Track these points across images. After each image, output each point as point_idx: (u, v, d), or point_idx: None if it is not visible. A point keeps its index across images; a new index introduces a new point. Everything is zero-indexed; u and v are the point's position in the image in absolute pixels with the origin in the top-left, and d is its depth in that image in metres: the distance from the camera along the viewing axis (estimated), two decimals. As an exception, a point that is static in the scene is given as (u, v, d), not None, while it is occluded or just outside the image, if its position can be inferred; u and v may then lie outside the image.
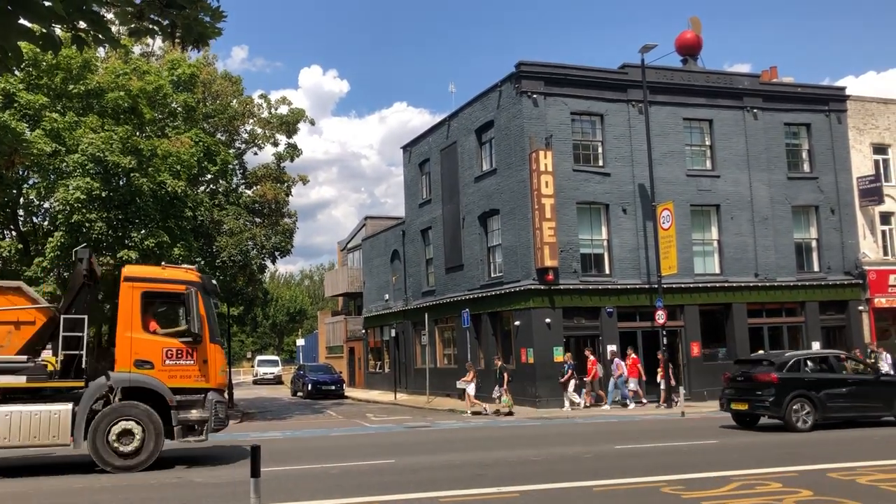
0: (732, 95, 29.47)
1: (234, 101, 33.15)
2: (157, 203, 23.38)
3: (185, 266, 16.04)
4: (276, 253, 32.16)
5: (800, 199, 30.08)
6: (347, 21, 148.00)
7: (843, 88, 32.19)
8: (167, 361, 13.94)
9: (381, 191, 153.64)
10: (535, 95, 26.76)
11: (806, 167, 30.67)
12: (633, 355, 25.89)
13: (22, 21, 3.37)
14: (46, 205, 24.97)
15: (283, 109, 34.30)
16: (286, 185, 34.22)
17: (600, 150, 27.86)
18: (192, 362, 14.13)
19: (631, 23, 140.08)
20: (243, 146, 34.79)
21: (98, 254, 23.25)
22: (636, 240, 27.58)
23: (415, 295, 36.03)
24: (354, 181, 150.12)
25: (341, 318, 51.98)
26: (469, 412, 25.03)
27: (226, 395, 15.78)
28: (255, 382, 59.02)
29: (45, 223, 25.72)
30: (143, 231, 22.84)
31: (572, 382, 25.03)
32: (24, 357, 13.57)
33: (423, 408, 28.52)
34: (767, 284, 29.02)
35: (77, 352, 13.66)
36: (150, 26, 3.62)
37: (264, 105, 34.35)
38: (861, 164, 31.11)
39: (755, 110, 29.66)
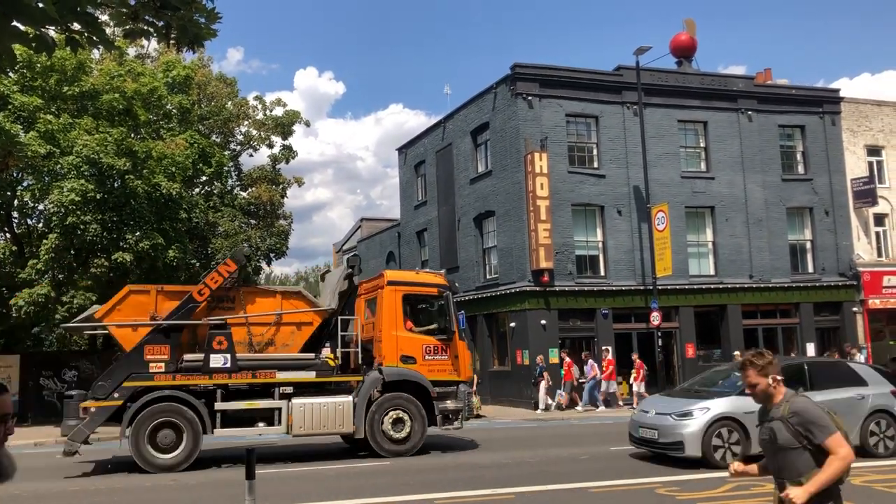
0: (727, 97, 29.54)
1: (229, 102, 33.16)
2: (151, 205, 23.36)
3: (435, 271, 18.10)
4: (272, 254, 32.16)
5: (794, 201, 30.15)
6: (343, 23, 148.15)
7: (836, 90, 32.28)
8: (426, 357, 15.44)
9: (377, 192, 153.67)
10: (530, 97, 26.79)
11: (800, 169, 30.75)
12: (609, 357, 25.71)
13: (15, 23, 3.37)
14: (41, 207, 24.93)
15: (279, 111, 34.35)
16: (281, 186, 34.23)
17: (595, 151, 27.89)
18: (446, 357, 15.63)
19: (625, 25, 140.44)
20: (238, 148, 34.79)
21: (92, 256, 23.28)
22: (631, 241, 27.62)
23: (410, 297, 35.97)
24: (350, 183, 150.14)
25: (337, 320, 51.89)
26: None
27: (474, 387, 19.07)
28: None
29: (40, 225, 25.69)
30: (137, 233, 22.82)
31: (543, 384, 24.80)
32: (312, 355, 15.06)
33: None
34: (762, 286, 29.08)
35: (352, 349, 15.40)
36: (145, 28, 3.61)
37: (259, 107, 34.38)
38: (855, 165, 31.20)
39: (749, 112, 29.73)
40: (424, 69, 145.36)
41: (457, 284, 18.00)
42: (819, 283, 29.86)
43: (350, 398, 14.78)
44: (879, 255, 31.43)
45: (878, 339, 31.00)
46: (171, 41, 3.67)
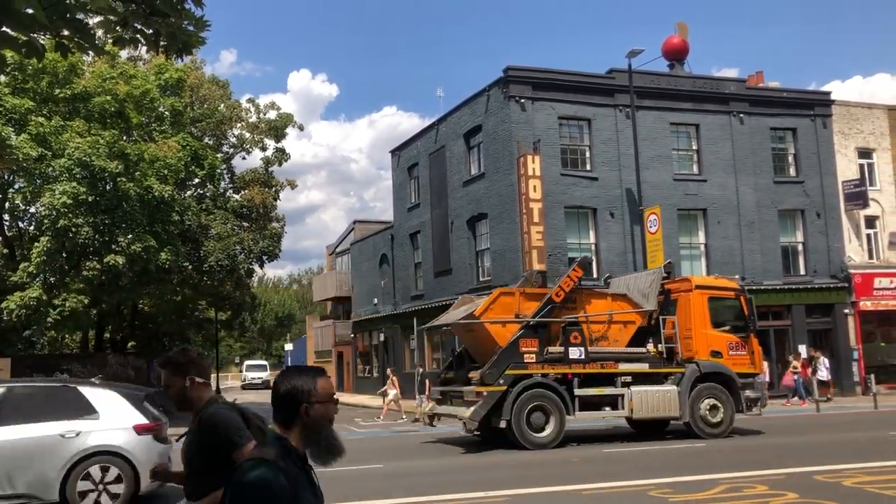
0: (719, 100, 29.64)
1: (222, 105, 33.12)
2: (143, 207, 23.30)
3: (728, 276, 20.52)
4: (264, 257, 32.12)
5: (786, 203, 30.26)
6: (337, 25, 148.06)
7: (828, 93, 32.42)
8: (730, 352, 17.47)
9: (371, 195, 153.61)
10: (522, 100, 26.83)
11: (792, 171, 30.86)
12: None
13: (4, 28, 3.37)
14: (32, 209, 24.86)
15: (272, 114, 34.33)
16: (274, 189, 34.22)
17: (588, 154, 27.95)
18: (745, 352, 17.69)
19: (618, 28, 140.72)
20: (231, 150, 34.76)
21: (84, 259, 23.20)
22: (624, 244, 27.67)
23: (403, 299, 36.01)
24: (343, 185, 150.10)
25: (330, 323, 51.83)
26: (381, 418, 25.22)
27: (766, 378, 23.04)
28: (244, 387, 58.79)
29: (31, 228, 25.63)
30: (129, 236, 22.76)
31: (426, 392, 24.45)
32: (644, 349, 17.19)
33: (412, 412, 28.44)
34: (754, 288, 29.05)
35: (673, 344, 17.17)
36: (134, 35, 3.61)
37: (252, 109, 34.36)
38: (846, 168, 31.33)
39: (741, 115, 29.83)
40: (418, 72, 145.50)
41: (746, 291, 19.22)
42: (811, 286, 29.96)
43: (674, 387, 16.77)
44: (870, 257, 31.56)
45: (870, 341, 31.12)
46: (161, 48, 3.67)
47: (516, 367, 16.05)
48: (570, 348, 16.36)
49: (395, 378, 26.33)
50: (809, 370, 27.41)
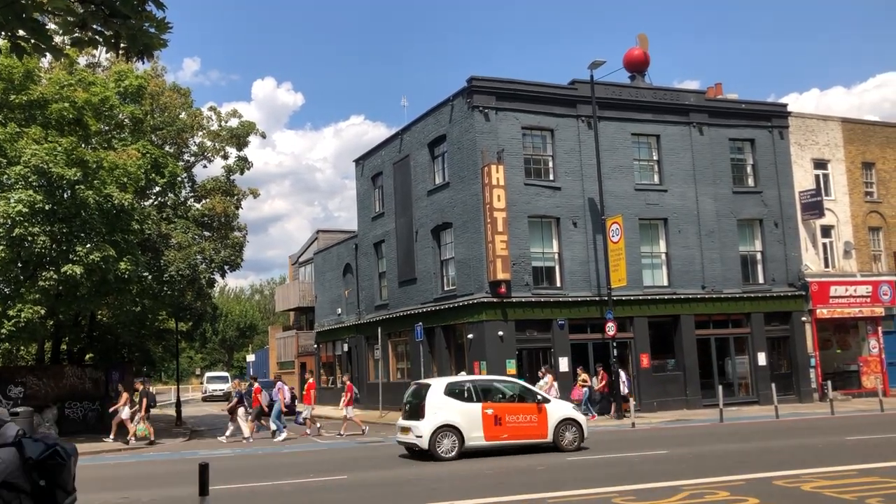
0: (679, 111, 30.09)
1: (183, 113, 32.71)
2: (102, 216, 22.85)
3: None
4: (226, 267, 31.72)
5: (744, 213, 30.79)
6: (302, 33, 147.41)
7: (784, 105, 33.12)
8: None
9: (335, 204, 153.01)
10: (486, 110, 26.96)
11: (750, 181, 31.42)
12: (349, 382, 24.95)
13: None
14: (-14, 218, 24.20)
15: (233, 122, 34.00)
16: (236, 198, 33.85)
17: (551, 164, 28.16)
18: None
19: (580, 39, 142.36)
20: (192, 159, 34.33)
21: (40, 268, 22.68)
22: (586, 253, 27.90)
23: (368, 309, 35.85)
24: (308, 194, 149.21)
25: (293, 333, 51.40)
26: (132, 439, 23.12)
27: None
28: (205, 399, 57.89)
29: (-15, 237, 24.92)
30: (88, 245, 22.29)
31: (240, 410, 23.74)
32: None
33: (376, 423, 28.29)
34: (714, 296, 29.59)
35: None
36: (94, 36, 3.54)
37: (214, 117, 34.00)
38: (803, 178, 32.00)
39: (701, 126, 30.32)
40: (384, 81, 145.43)
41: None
42: (769, 294, 30.49)
43: None
44: (826, 265, 32.24)
45: (826, 348, 31.74)
46: (121, 51, 3.60)
47: None
48: None
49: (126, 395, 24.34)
50: (604, 385, 26.15)
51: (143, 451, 21.86)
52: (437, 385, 16.95)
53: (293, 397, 31.99)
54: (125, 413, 23.57)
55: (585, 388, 25.91)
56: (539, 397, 17.37)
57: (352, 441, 21.92)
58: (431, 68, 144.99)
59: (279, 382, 25.70)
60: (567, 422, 16.94)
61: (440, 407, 16.21)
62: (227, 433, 23.69)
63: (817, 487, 10.82)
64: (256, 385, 25.10)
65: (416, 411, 16.53)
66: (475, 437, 16.28)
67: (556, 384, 24.49)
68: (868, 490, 10.45)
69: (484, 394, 16.97)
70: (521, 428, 16.65)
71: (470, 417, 16.28)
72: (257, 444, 22.39)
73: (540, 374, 24.97)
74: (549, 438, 16.70)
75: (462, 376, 20.35)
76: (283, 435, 23.04)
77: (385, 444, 20.84)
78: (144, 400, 23.16)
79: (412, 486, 12.60)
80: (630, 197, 28.76)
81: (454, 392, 16.71)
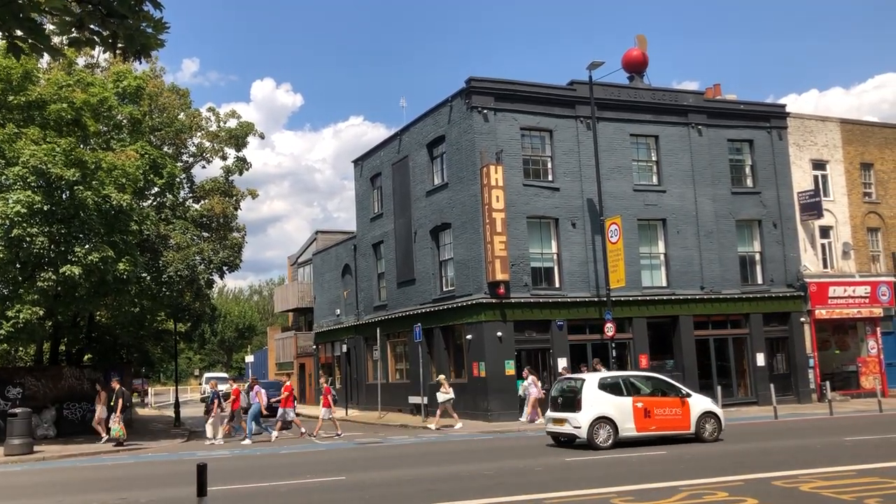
0: (677, 112, 30.10)
1: (182, 113, 32.67)
2: (101, 217, 22.81)
3: None
4: (225, 268, 31.67)
5: (743, 214, 30.80)
6: (302, 34, 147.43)
7: (783, 106, 33.13)
8: None
9: (334, 205, 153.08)
10: (485, 111, 26.95)
11: (749, 182, 31.44)
12: (326, 384, 25.11)
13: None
14: (-16, 219, 24.16)
15: (232, 122, 33.97)
16: (235, 198, 33.81)
17: (549, 165, 28.16)
18: None
19: (579, 40, 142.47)
20: (191, 160, 34.29)
21: (39, 269, 22.66)
22: (585, 253, 27.90)
23: (366, 310, 35.84)
24: (307, 195, 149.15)
25: (291, 334, 51.37)
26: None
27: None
28: (203, 400, 57.83)
29: (-17, 238, 24.88)
30: (86, 246, 22.28)
31: (214, 413, 23.93)
32: None
33: (374, 423, 28.31)
34: (713, 297, 29.60)
35: None
36: (91, 36, 3.53)
37: (213, 118, 33.96)
38: (801, 179, 32.01)
39: (700, 126, 30.33)
40: (383, 82, 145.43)
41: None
42: (768, 294, 30.50)
43: None
44: (825, 266, 32.25)
45: (825, 349, 31.76)
46: (118, 50, 3.60)
47: None
48: None
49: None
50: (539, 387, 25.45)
51: (141, 451, 21.84)
52: (592, 380, 17.88)
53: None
54: (101, 411, 23.85)
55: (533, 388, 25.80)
56: (683, 392, 18.38)
57: (351, 441, 21.92)
58: (430, 69, 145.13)
59: (256, 385, 25.52)
60: (707, 415, 18.08)
61: (596, 400, 17.20)
62: (220, 435, 23.72)
63: (816, 488, 10.82)
64: (235, 387, 25.36)
65: (572, 404, 17.43)
66: (628, 427, 17.30)
67: (538, 383, 25.17)
68: (867, 490, 10.45)
69: (633, 388, 18.07)
70: (668, 420, 17.77)
71: (622, 410, 17.29)
72: (256, 445, 22.38)
73: (524, 374, 25.56)
74: (692, 430, 17.75)
75: (609, 371, 22.55)
76: (250, 441, 22.99)
77: (383, 444, 20.85)
78: (120, 400, 23.07)
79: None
80: (629, 198, 28.77)
81: (606, 386, 17.66)
